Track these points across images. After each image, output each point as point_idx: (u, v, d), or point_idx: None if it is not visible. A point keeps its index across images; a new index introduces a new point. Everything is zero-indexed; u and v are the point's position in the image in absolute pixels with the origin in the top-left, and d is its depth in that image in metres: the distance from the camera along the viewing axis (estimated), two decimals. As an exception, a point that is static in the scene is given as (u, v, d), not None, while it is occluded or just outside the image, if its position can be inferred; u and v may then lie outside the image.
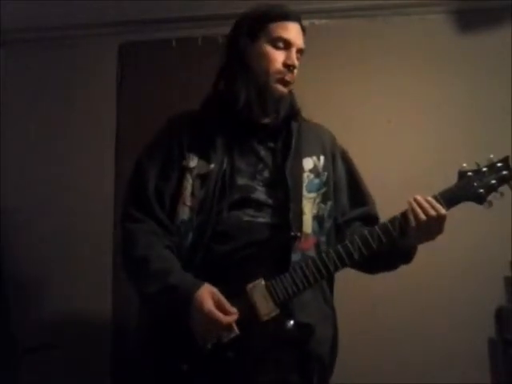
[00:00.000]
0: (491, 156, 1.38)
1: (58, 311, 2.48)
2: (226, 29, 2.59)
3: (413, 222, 1.34)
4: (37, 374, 2.36)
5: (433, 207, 1.35)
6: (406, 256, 1.47)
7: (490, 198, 1.35)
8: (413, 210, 1.35)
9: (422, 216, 1.33)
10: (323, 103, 2.54)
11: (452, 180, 2.43)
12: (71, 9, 2.54)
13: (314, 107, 2.52)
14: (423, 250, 2.36)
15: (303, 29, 1.52)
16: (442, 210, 1.35)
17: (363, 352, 2.33)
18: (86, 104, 2.67)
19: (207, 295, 1.30)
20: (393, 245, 1.38)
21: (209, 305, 1.28)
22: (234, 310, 1.30)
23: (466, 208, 2.37)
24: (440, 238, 2.35)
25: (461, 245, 2.37)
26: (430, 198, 1.36)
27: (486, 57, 2.47)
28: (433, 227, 1.35)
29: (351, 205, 1.55)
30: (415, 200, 1.36)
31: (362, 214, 1.54)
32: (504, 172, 1.35)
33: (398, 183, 2.34)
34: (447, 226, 2.37)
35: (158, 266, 1.36)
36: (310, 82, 2.55)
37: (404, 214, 1.37)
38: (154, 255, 1.37)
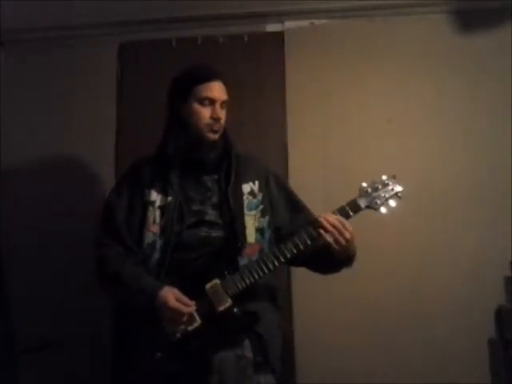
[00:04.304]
0: (383, 176, 1.73)
1: (58, 311, 2.48)
2: (226, 29, 2.65)
3: (326, 236, 1.65)
4: (37, 374, 2.36)
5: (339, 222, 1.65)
6: (345, 260, 1.74)
7: (383, 206, 1.71)
8: (321, 234, 1.65)
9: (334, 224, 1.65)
10: (323, 103, 2.55)
11: (452, 180, 2.46)
12: (71, 9, 2.54)
13: (314, 107, 2.56)
14: (423, 250, 2.38)
15: (225, 82, 1.82)
16: (343, 219, 1.66)
17: (363, 352, 2.33)
18: (86, 104, 2.67)
19: (169, 293, 1.61)
20: (325, 246, 1.68)
21: (171, 300, 1.60)
22: (191, 302, 1.61)
23: (466, 208, 2.38)
24: (440, 237, 2.39)
25: (461, 245, 2.37)
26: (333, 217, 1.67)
27: (486, 57, 2.47)
28: (341, 235, 1.64)
29: (290, 213, 1.87)
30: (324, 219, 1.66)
31: (304, 222, 1.78)
32: (392, 187, 1.72)
33: (397, 183, 2.33)
34: (448, 226, 2.39)
35: (128, 277, 1.68)
36: (309, 82, 2.57)
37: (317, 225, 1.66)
38: (123, 270, 1.70)
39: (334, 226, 1.64)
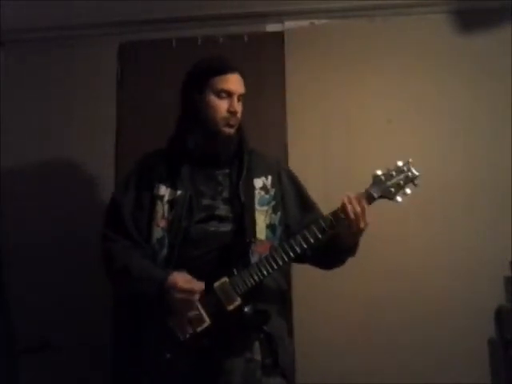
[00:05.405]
0: (398, 162, 1.66)
1: (58, 311, 2.48)
2: (226, 29, 2.65)
3: (343, 216, 1.61)
4: (37, 374, 2.36)
5: (359, 202, 1.61)
6: (350, 250, 1.72)
7: (399, 195, 1.64)
8: (344, 206, 1.61)
9: (355, 208, 1.61)
10: (323, 103, 2.55)
11: (452, 180, 2.46)
12: (71, 9, 2.54)
13: (314, 107, 2.56)
14: (423, 250, 2.38)
15: (242, 75, 1.77)
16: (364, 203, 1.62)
17: (363, 352, 2.33)
18: (86, 104, 2.67)
19: (178, 276, 1.60)
20: (329, 238, 1.67)
21: (181, 281, 1.58)
22: (201, 283, 1.59)
23: (466, 208, 2.39)
24: (440, 237, 2.38)
25: (461, 245, 2.37)
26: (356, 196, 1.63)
27: (486, 57, 2.47)
28: (359, 219, 1.61)
29: (301, 212, 1.83)
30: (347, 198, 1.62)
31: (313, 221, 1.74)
32: (408, 173, 1.65)
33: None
34: (448, 226, 2.39)
35: (136, 269, 1.66)
36: (309, 82, 2.57)
37: (336, 212, 1.63)
38: (131, 263, 1.68)
39: (355, 212, 1.60)
